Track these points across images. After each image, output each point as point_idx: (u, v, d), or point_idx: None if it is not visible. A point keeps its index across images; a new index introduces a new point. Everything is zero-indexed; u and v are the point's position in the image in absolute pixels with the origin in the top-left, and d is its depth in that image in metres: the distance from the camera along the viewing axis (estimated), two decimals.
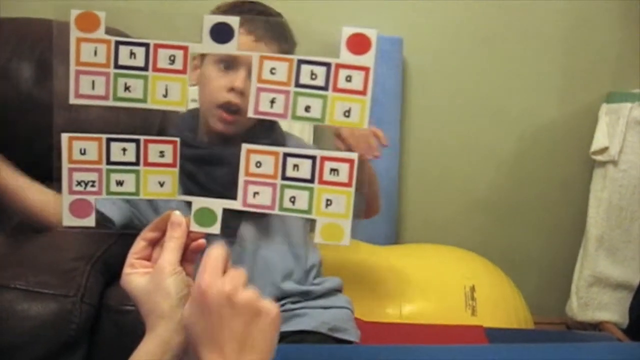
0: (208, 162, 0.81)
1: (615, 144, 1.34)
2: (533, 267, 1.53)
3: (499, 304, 1.18)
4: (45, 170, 1.13)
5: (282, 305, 0.86)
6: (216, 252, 0.46)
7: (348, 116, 0.52)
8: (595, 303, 1.38)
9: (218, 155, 0.81)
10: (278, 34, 0.79)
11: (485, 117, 1.49)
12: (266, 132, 0.83)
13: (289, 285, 0.87)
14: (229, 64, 0.78)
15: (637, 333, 1.28)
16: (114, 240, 0.79)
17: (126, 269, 0.50)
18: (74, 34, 0.50)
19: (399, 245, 1.45)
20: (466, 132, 1.49)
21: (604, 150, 1.36)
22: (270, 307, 0.45)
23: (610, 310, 1.37)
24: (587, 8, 1.43)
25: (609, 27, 1.43)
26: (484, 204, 1.53)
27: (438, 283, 1.18)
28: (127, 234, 0.80)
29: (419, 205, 1.50)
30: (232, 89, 0.78)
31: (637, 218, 1.35)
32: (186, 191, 0.81)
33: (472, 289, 1.17)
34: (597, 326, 1.38)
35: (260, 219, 0.84)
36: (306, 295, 0.88)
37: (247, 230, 0.84)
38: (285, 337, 0.85)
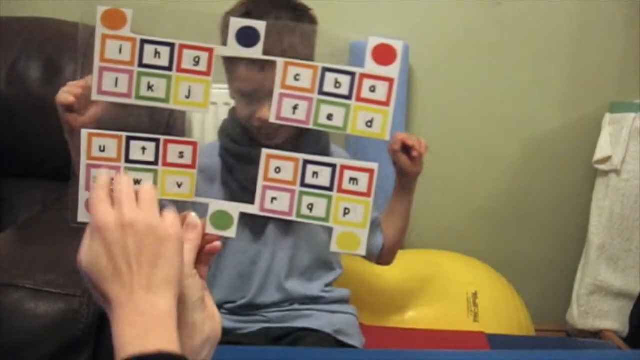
0: (247, 160, 0.81)
1: (618, 153, 1.35)
2: (534, 274, 1.53)
3: (500, 310, 1.18)
4: (52, 169, 1.13)
5: (290, 304, 0.88)
6: (98, 187, 0.44)
7: (370, 126, 0.52)
8: (595, 311, 1.39)
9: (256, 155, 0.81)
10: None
11: (489, 125, 1.49)
12: (313, 141, 0.84)
13: (297, 289, 0.88)
14: (247, 96, 0.78)
15: (638, 341, 1.29)
16: None
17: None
18: (100, 30, 0.50)
19: (401, 251, 1.44)
20: (470, 139, 1.49)
21: (606, 159, 1.37)
22: (173, 231, 0.43)
23: (610, 318, 1.38)
24: (591, 18, 1.43)
25: (613, 37, 1.44)
26: (487, 211, 1.53)
27: (441, 289, 1.19)
28: None
29: (422, 212, 1.50)
30: (259, 119, 0.78)
31: (638, 227, 1.36)
32: (225, 183, 0.85)
33: (475, 295, 1.17)
34: (597, 334, 1.39)
35: (286, 223, 0.84)
36: (314, 301, 0.89)
37: (271, 231, 0.86)
38: (291, 333, 0.86)
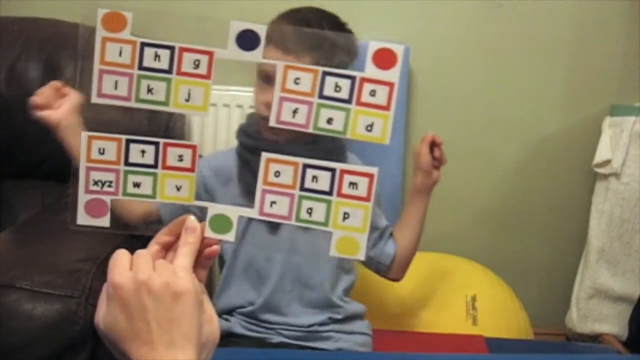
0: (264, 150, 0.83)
1: (618, 156, 1.35)
2: (533, 277, 1.53)
3: (499, 314, 1.18)
4: (52, 170, 1.13)
5: (310, 325, 0.89)
6: (119, 253, 0.46)
7: (370, 130, 0.52)
8: (595, 315, 1.39)
9: (274, 149, 0.82)
10: (311, 45, 0.80)
11: (489, 127, 1.49)
12: (329, 148, 0.85)
13: (316, 294, 0.89)
14: (266, 78, 0.80)
15: (637, 345, 1.29)
16: (119, 242, 0.79)
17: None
18: (100, 33, 0.49)
19: None
20: (470, 142, 1.49)
21: (606, 162, 1.37)
22: (188, 286, 0.44)
23: (609, 322, 1.38)
24: (592, 20, 1.44)
25: (613, 40, 1.44)
26: (486, 214, 1.53)
27: (439, 292, 1.19)
28: (133, 235, 0.81)
29: None
30: (265, 104, 0.80)
31: (638, 231, 1.36)
32: (241, 179, 0.88)
33: (474, 298, 1.17)
34: (596, 338, 1.39)
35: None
36: (333, 311, 0.90)
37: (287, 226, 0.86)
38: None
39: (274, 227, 0.88)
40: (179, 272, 0.45)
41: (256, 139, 0.87)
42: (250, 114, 0.94)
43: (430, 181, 0.92)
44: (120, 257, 0.45)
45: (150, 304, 0.42)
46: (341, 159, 0.89)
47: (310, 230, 0.83)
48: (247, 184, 0.87)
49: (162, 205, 0.84)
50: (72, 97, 0.80)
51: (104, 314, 0.44)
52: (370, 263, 0.95)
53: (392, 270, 0.95)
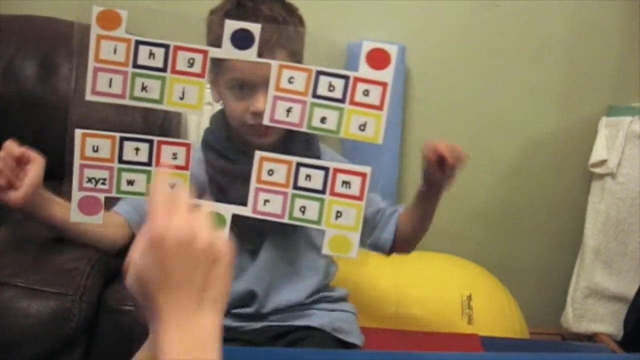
0: (242, 179, 0.79)
1: (614, 156, 1.35)
2: (529, 277, 1.53)
3: (495, 313, 1.18)
4: (47, 168, 1.13)
5: (292, 306, 0.87)
6: (161, 195, 0.42)
7: (363, 130, 0.52)
8: (590, 314, 1.39)
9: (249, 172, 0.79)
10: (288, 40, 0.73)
11: (485, 127, 1.49)
12: (303, 145, 0.80)
13: (303, 297, 0.88)
14: (243, 85, 0.73)
15: (632, 345, 1.29)
16: None
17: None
18: (95, 30, 0.50)
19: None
20: (466, 141, 1.47)
21: (602, 162, 1.37)
22: (227, 250, 0.43)
23: (605, 321, 1.38)
24: (589, 20, 1.44)
25: (610, 41, 1.44)
26: (482, 213, 1.53)
27: (435, 291, 1.19)
28: None
29: None
30: (254, 113, 0.72)
31: (634, 231, 1.36)
32: (211, 194, 0.79)
33: (469, 297, 1.17)
34: (591, 337, 1.39)
35: (284, 236, 0.83)
36: (316, 301, 0.89)
37: (269, 247, 0.84)
38: (291, 332, 0.86)
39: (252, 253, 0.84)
40: (219, 235, 0.43)
41: (230, 160, 0.79)
42: (215, 115, 0.84)
43: (441, 189, 0.82)
44: (163, 200, 0.42)
45: (190, 263, 0.40)
46: (316, 154, 0.81)
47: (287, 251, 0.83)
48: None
49: (130, 219, 0.79)
50: (35, 168, 0.69)
51: (138, 258, 0.41)
52: (371, 249, 0.89)
53: (395, 251, 0.89)
